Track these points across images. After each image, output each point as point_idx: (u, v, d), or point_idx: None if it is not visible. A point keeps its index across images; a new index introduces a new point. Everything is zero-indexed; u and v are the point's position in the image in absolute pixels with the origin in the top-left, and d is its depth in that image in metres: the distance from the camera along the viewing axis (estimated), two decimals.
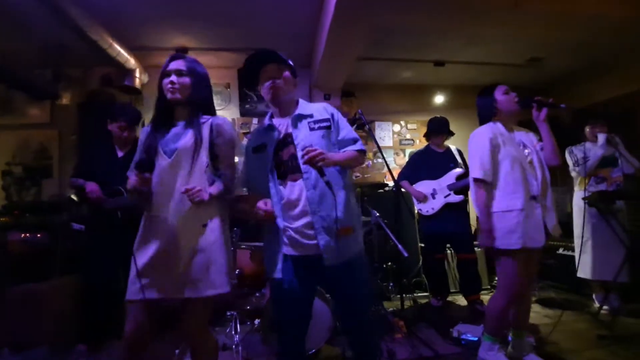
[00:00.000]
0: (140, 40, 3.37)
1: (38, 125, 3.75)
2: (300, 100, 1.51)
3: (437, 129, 3.17)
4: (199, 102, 1.42)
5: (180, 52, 3.54)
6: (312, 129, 1.39)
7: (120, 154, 2.42)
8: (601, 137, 2.82)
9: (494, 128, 1.90)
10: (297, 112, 1.43)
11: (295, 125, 1.40)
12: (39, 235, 2.53)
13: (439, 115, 3.28)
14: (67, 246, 2.43)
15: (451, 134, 3.20)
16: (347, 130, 1.46)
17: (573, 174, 3.03)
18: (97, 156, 2.41)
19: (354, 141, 1.45)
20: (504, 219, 1.79)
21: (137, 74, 3.56)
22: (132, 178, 1.31)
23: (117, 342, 2.29)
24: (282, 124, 1.43)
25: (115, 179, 2.25)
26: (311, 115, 1.42)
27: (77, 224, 2.27)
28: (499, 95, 1.94)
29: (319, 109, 1.46)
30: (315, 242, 1.30)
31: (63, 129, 3.75)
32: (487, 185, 1.84)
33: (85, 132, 3.57)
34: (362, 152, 1.45)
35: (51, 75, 3.42)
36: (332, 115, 1.45)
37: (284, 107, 1.46)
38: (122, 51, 3.23)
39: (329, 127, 1.42)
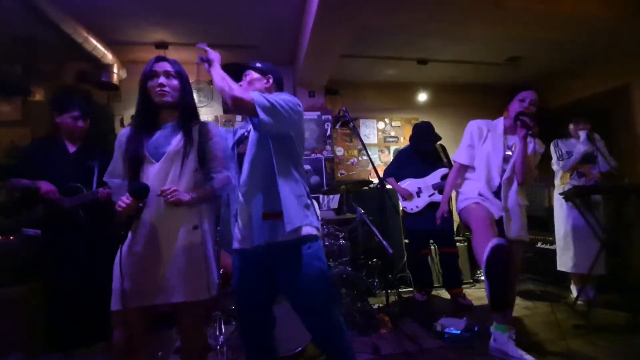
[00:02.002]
0: (118, 35, 3.25)
1: (8, 122, 3.56)
2: None
3: (423, 142, 3.12)
4: (187, 105, 1.42)
5: (160, 48, 3.47)
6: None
7: (71, 149, 2.27)
8: (582, 134, 2.92)
9: (488, 123, 2.11)
10: None
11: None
12: (11, 238, 2.41)
13: (424, 122, 3.22)
14: (24, 253, 2.27)
15: (438, 139, 3.16)
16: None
17: (555, 167, 3.13)
18: (43, 154, 2.21)
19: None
20: (462, 200, 2.09)
21: (115, 70, 3.44)
22: (124, 202, 1.23)
23: (94, 347, 2.22)
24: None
25: (68, 177, 2.14)
26: None
27: (31, 230, 2.08)
28: (516, 99, 2.04)
29: None
30: (248, 229, 1.34)
31: (36, 126, 3.59)
32: (462, 166, 2.15)
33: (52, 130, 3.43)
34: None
35: (21, 70, 3.26)
36: None
37: None
38: (99, 45, 3.11)
39: None
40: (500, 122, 2.10)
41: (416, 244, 3.21)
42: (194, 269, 1.29)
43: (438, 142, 3.24)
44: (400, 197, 3.21)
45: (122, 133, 1.41)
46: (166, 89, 1.35)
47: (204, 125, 1.44)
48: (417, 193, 3.10)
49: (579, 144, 2.96)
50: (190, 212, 1.33)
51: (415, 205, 3.09)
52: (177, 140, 1.35)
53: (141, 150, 1.33)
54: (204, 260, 1.32)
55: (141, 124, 1.38)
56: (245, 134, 1.48)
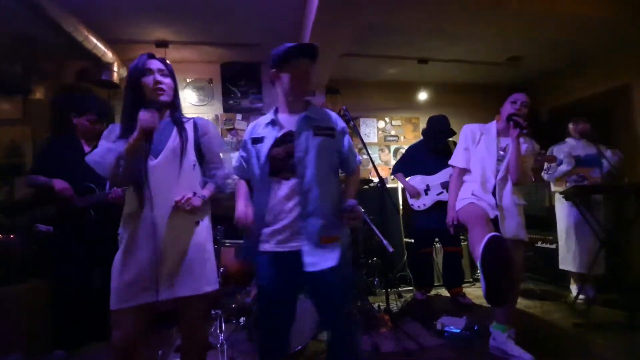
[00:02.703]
0: (118, 33, 3.25)
1: (9, 121, 3.56)
2: (312, 103, 1.50)
3: (436, 134, 3.04)
4: (178, 103, 1.44)
5: (160, 46, 3.47)
6: (315, 135, 1.37)
7: (87, 149, 2.30)
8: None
9: (481, 127, 2.14)
10: (307, 113, 1.41)
11: (301, 126, 1.38)
12: (12, 237, 2.41)
13: (440, 114, 3.13)
14: (35, 249, 2.28)
15: (452, 133, 3.07)
16: (350, 146, 1.51)
17: (545, 176, 3.14)
18: (61, 152, 2.25)
19: (354, 158, 1.55)
20: (458, 200, 2.10)
21: (115, 68, 3.44)
22: (142, 115, 1.23)
23: (96, 345, 2.23)
24: (286, 121, 1.41)
25: (83, 176, 2.15)
26: (319, 121, 1.42)
27: (44, 226, 2.12)
28: (507, 101, 2.07)
29: (327, 117, 1.47)
30: (297, 244, 1.31)
31: (36, 125, 3.59)
32: (460, 170, 2.14)
33: (59, 128, 3.43)
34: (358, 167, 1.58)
35: (21, 69, 3.26)
36: (343, 128, 1.48)
37: (296, 103, 1.43)
38: (99, 44, 3.11)
39: (332, 136, 1.42)
40: (493, 126, 2.12)
41: (421, 242, 3.17)
42: (196, 263, 1.31)
43: (450, 139, 3.14)
44: (407, 194, 3.18)
45: (116, 125, 1.39)
46: (163, 86, 1.36)
47: (197, 121, 1.47)
48: (425, 191, 3.05)
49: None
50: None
51: (422, 203, 3.05)
52: (173, 137, 1.36)
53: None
54: (205, 255, 1.35)
55: (133, 120, 1.32)
56: (280, 136, 1.38)
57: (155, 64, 1.38)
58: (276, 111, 1.46)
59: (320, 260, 1.29)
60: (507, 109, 2.04)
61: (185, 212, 1.32)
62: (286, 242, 1.32)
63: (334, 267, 1.30)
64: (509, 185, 2.00)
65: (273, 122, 1.41)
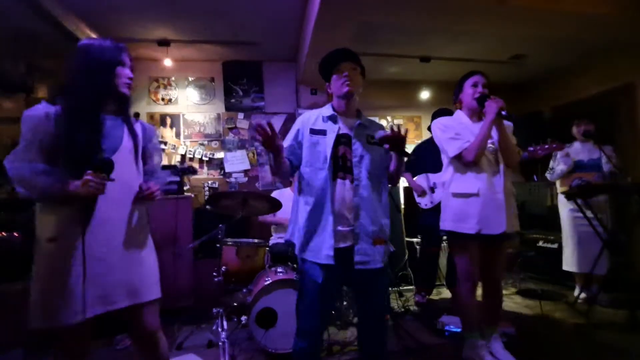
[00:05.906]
0: (120, 32, 3.26)
1: (11, 119, 3.57)
2: (361, 112, 1.56)
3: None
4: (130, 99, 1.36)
5: (162, 45, 3.47)
6: (369, 143, 1.44)
7: None
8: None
9: (450, 119, 1.97)
10: (362, 121, 1.48)
11: (358, 132, 1.45)
12: (15, 234, 2.43)
13: (444, 108, 3.04)
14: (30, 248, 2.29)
15: None
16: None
17: (547, 176, 3.13)
18: None
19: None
20: (459, 202, 1.86)
21: None
22: (94, 180, 1.09)
23: (97, 343, 2.24)
24: (341, 122, 1.46)
25: None
26: (371, 130, 1.48)
27: None
28: (467, 86, 1.92)
29: (377, 128, 1.51)
30: (350, 243, 1.35)
31: None
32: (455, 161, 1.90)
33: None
34: None
35: (24, 67, 3.27)
36: None
37: (349, 106, 1.48)
38: None
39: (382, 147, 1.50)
40: (460, 114, 1.95)
41: (429, 241, 3.11)
42: (154, 267, 1.31)
43: None
44: (414, 193, 3.14)
45: (43, 113, 1.17)
46: (129, 82, 1.30)
47: (144, 125, 1.41)
48: (431, 188, 3.02)
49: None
50: (136, 213, 1.28)
51: (429, 201, 3.00)
52: (127, 136, 1.28)
53: (98, 141, 1.20)
54: (156, 259, 1.34)
55: (90, 110, 1.21)
56: (341, 133, 1.43)
57: (128, 57, 1.31)
58: (334, 109, 1.49)
59: (371, 260, 1.36)
60: (470, 93, 1.88)
61: (132, 216, 1.25)
62: (344, 239, 1.35)
63: (381, 268, 1.38)
64: (502, 172, 1.81)
65: (334, 119, 1.45)
